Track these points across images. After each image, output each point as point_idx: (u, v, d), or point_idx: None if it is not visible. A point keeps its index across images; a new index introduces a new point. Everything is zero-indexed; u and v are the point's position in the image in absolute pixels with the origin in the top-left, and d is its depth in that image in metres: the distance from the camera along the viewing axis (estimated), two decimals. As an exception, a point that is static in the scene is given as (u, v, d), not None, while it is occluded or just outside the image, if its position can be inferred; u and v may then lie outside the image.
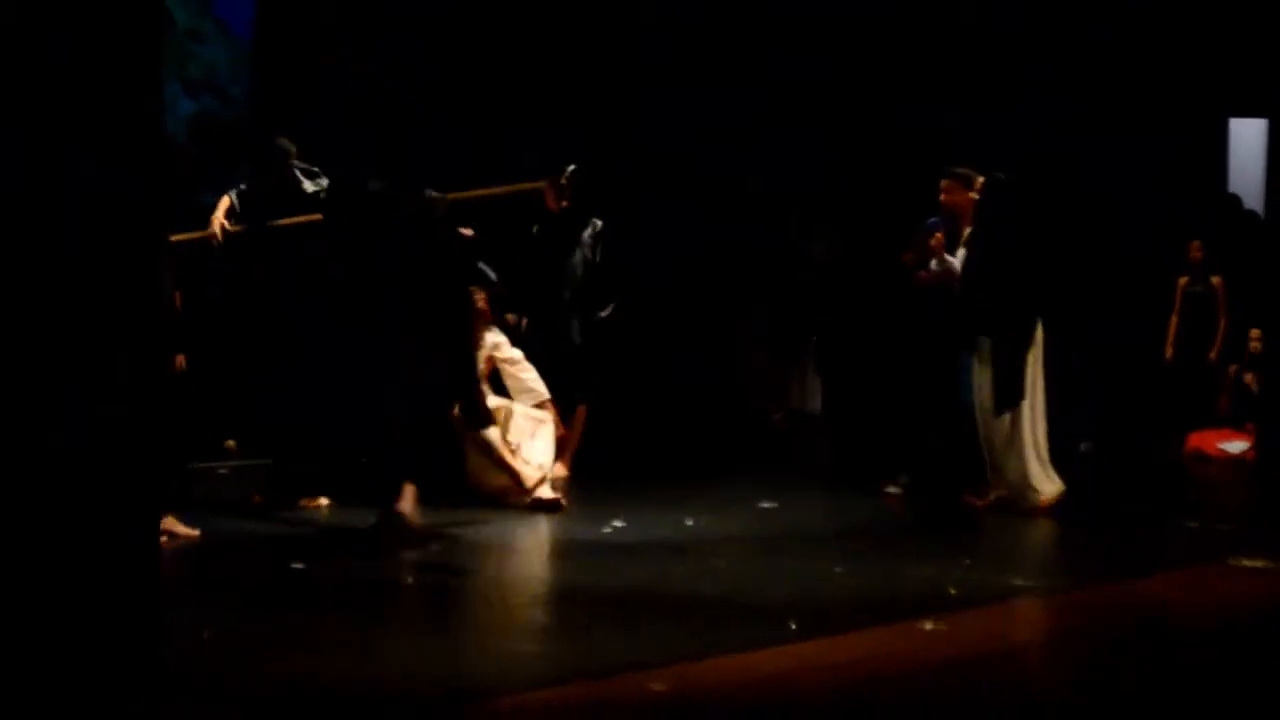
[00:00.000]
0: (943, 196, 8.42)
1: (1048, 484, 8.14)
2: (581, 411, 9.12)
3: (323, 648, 4.87)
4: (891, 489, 8.66)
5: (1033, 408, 8.18)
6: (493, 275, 8.64)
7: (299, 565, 6.28)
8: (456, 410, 7.97)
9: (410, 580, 6.37)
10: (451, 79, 11.24)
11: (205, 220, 8.12)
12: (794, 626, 5.12)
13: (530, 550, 7.11)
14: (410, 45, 11.03)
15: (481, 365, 8.39)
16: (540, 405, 8.55)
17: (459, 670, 4.66)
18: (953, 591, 5.79)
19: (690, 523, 7.49)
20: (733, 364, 13.36)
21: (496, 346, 8.55)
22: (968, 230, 8.36)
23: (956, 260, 8.35)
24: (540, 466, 8.23)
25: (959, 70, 12.28)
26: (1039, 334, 8.27)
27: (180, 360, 6.99)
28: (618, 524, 7.33)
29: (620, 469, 10.66)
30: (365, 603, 5.81)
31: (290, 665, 4.60)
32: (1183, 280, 12.08)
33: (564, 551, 6.97)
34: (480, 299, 8.41)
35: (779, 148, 12.48)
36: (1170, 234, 12.36)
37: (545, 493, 7.99)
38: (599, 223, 9.14)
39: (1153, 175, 12.79)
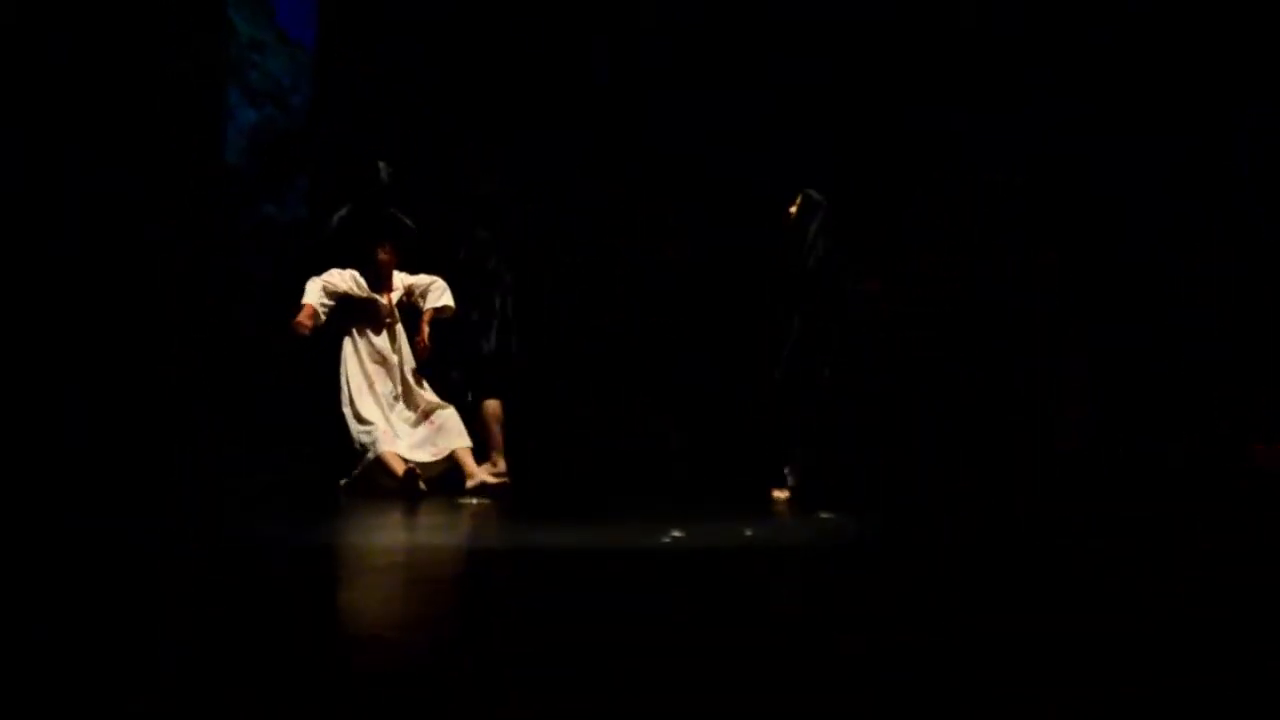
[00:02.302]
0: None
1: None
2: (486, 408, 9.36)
3: (359, 645, 4.87)
4: (779, 494, 8.84)
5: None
6: (409, 222, 9.08)
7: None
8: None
9: (459, 589, 6.35)
10: (458, 81, 11.28)
11: (266, 234, 8.63)
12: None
13: (590, 561, 7.09)
14: (414, 48, 11.10)
15: (383, 302, 8.86)
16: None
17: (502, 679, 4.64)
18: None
19: (749, 533, 7.46)
20: (755, 368, 13.32)
21: (410, 286, 9.01)
22: None
23: None
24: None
25: (967, 72, 12.23)
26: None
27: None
28: (676, 534, 7.31)
29: (676, 481, 10.66)
30: (401, 607, 5.80)
31: (321, 658, 4.60)
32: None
33: (623, 561, 6.95)
34: (384, 251, 8.86)
35: (786, 150, 12.48)
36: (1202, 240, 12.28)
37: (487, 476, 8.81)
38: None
39: (1181, 180, 12.69)
